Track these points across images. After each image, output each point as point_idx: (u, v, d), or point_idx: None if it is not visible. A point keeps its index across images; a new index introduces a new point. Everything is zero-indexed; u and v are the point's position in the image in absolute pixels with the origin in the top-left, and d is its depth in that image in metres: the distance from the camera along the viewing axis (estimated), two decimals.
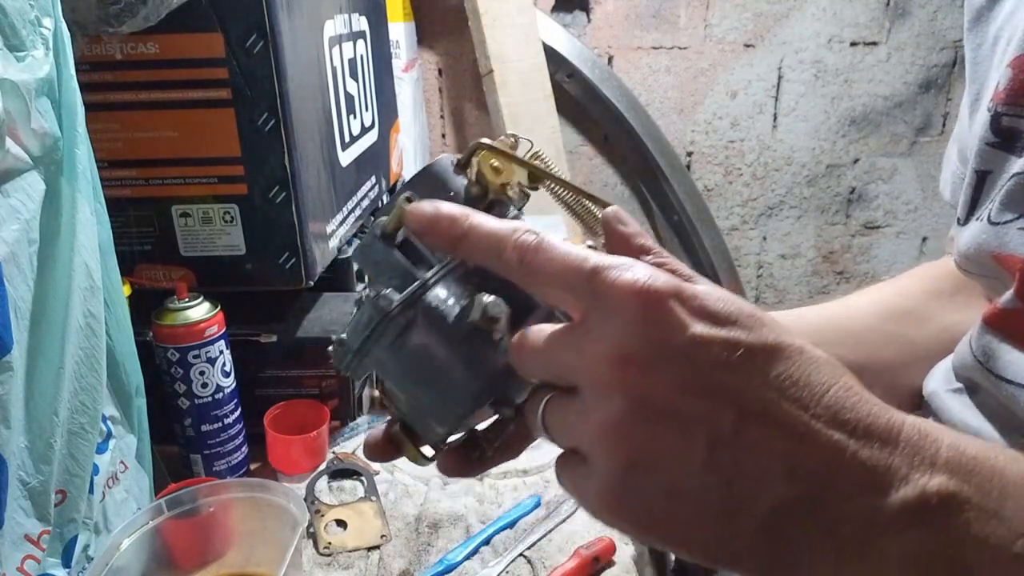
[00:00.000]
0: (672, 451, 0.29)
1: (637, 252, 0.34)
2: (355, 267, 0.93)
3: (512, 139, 0.40)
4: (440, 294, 0.36)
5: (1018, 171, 0.46)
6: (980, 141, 0.49)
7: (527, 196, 0.40)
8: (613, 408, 0.29)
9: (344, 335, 0.39)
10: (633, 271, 0.30)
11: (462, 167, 0.39)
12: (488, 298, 0.34)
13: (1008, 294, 0.48)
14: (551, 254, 0.31)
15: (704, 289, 0.30)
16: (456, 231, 0.34)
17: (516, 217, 0.39)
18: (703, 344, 0.29)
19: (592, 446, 0.30)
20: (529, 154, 0.40)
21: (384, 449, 0.40)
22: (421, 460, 0.39)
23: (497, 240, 0.33)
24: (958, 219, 0.53)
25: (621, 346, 0.29)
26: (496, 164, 0.38)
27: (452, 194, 0.38)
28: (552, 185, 0.41)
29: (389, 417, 0.40)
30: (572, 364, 0.31)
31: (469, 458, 0.40)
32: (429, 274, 0.36)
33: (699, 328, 0.29)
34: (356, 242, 0.36)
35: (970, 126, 0.55)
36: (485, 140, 0.39)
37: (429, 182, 0.39)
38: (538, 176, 0.40)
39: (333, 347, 0.39)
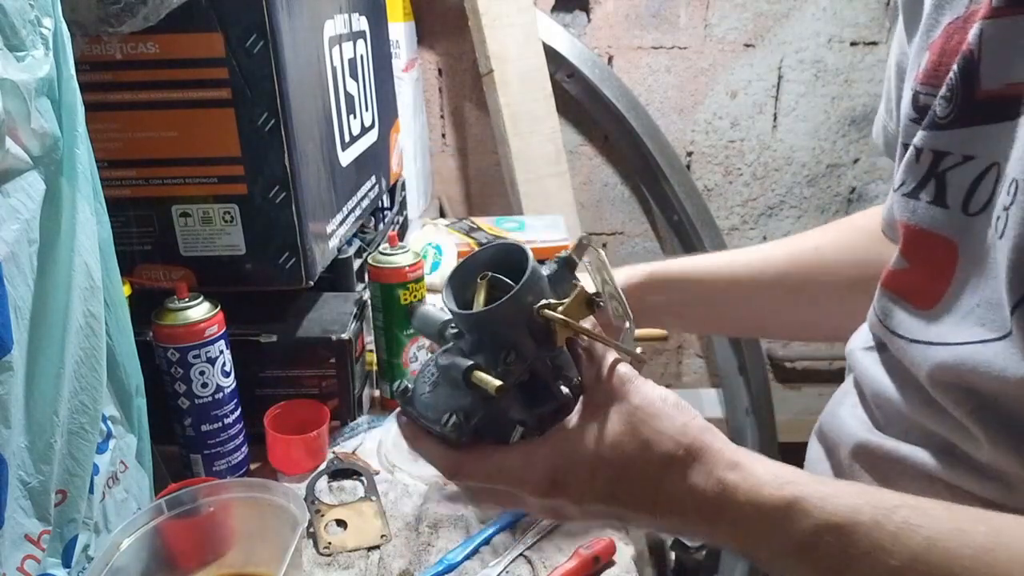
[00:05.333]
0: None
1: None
2: (355, 267, 0.94)
3: (589, 248, 0.50)
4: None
5: (916, 142, 0.50)
6: (905, 117, 0.53)
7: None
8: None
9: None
10: None
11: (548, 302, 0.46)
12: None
13: (895, 255, 0.53)
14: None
15: None
16: None
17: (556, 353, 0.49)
18: None
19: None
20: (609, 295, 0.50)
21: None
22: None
23: None
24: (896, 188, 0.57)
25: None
26: (567, 323, 0.45)
27: (530, 301, 0.45)
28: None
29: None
30: None
31: None
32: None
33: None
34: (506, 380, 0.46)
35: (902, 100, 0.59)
36: (571, 322, 0.45)
37: (532, 285, 0.46)
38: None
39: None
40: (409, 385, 0.49)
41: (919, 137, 0.50)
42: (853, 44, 1.74)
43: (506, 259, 0.48)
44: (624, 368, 0.47)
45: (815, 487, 0.41)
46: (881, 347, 0.57)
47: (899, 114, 0.62)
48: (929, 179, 0.50)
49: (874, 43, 1.74)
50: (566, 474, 0.45)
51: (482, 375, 0.44)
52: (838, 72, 1.76)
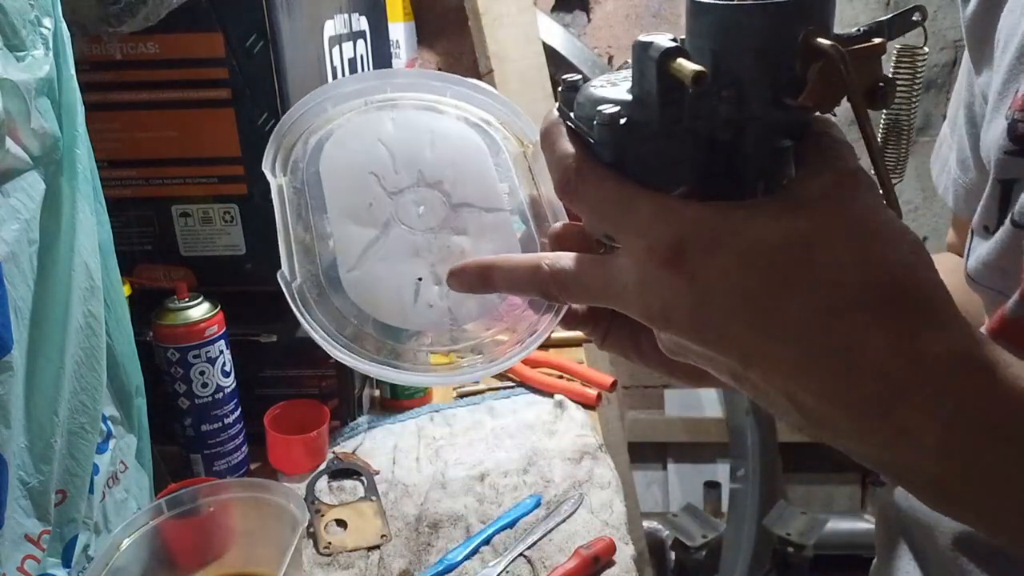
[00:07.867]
0: None
1: None
2: None
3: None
4: None
5: None
6: (999, 150, 0.47)
7: None
8: None
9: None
10: None
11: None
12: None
13: (1014, 300, 0.46)
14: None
15: None
16: None
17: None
18: None
19: None
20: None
21: None
22: None
23: None
24: (986, 227, 0.50)
25: None
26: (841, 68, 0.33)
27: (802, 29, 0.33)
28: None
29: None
30: None
31: None
32: None
33: None
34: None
35: (985, 134, 0.53)
36: (848, 72, 0.33)
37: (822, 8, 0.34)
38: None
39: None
40: (583, 78, 0.37)
41: None
42: None
43: None
44: (865, 175, 0.33)
45: None
46: None
47: (977, 160, 0.55)
48: None
49: None
50: (703, 249, 0.30)
51: (684, 61, 0.30)
52: None
